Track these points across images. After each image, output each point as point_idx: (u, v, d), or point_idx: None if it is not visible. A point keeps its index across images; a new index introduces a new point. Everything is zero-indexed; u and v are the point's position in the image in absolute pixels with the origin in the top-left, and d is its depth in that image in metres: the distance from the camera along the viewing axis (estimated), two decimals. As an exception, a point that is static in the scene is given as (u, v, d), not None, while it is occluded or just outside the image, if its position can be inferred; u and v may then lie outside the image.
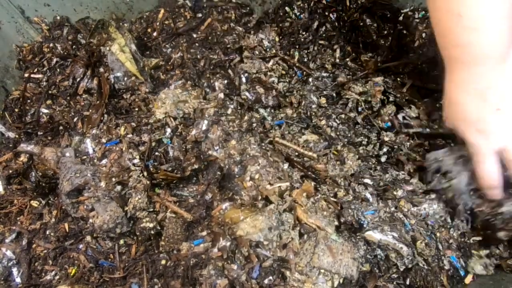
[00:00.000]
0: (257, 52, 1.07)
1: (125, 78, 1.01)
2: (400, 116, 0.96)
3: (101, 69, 1.05)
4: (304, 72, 1.05)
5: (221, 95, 1.00)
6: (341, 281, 0.76)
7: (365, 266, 0.79)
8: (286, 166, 0.89)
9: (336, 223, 0.82)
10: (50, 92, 1.04)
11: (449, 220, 0.86)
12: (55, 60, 1.09)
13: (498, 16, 0.63)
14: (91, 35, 1.10)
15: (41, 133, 0.99)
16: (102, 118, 0.98)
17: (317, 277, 0.76)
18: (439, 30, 0.71)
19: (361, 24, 1.08)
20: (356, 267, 0.77)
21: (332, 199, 0.86)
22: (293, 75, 1.06)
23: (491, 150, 0.71)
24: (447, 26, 0.68)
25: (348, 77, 1.03)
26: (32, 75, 1.08)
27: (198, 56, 1.08)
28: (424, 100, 0.98)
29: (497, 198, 0.77)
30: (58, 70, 1.08)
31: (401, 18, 1.08)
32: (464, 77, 0.71)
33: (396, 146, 0.95)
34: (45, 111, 1.02)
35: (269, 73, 1.03)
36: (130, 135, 0.93)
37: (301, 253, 0.78)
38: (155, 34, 1.12)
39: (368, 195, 0.87)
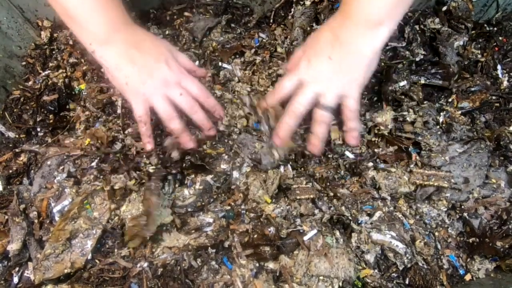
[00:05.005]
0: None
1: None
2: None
3: (103, 70, 1.05)
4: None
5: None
6: (340, 284, 0.76)
7: (361, 264, 0.80)
8: None
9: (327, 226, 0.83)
10: (50, 92, 1.04)
11: (446, 219, 0.86)
12: (55, 60, 1.09)
13: None
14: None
15: (42, 133, 0.99)
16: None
17: (317, 285, 0.76)
18: None
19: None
20: (353, 268, 0.77)
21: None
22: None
23: (299, 75, 0.82)
24: None
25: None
26: (33, 75, 1.08)
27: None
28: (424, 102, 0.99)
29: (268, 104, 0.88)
30: (58, 70, 1.08)
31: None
32: (338, 27, 0.80)
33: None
34: (46, 111, 1.02)
35: None
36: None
37: (296, 265, 0.78)
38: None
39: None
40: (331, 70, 0.79)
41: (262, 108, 0.90)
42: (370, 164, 0.90)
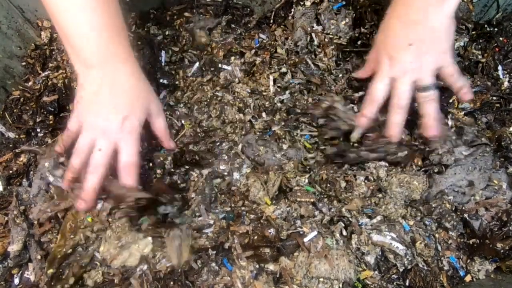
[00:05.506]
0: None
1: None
2: None
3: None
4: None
5: None
6: (341, 285, 0.76)
7: (361, 266, 0.80)
8: None
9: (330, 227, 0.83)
10: (50, 92, 1.04)
11: (446, 224, 0.86)
12: (55, 60, 1.09)
13: None
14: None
15: (42, 134, 0.99)
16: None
17: (317, 286, 0.76)
18: None
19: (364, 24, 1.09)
20: (353, 270, 0.77)
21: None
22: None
23: (388, 74, 0.83)
24: None
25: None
26: (33, 76, 1.08)
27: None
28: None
29: (367, 116, 0.86)
30: (58, 71, 1.07)
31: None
32: (403, 10, 0.80)
33: None
34: (46, 111, 1.02)
35: None
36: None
37: (296, 266, 0.78)
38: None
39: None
40: (416, 55, 0.79)
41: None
42: (381, 170, 0.90)
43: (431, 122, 0.83)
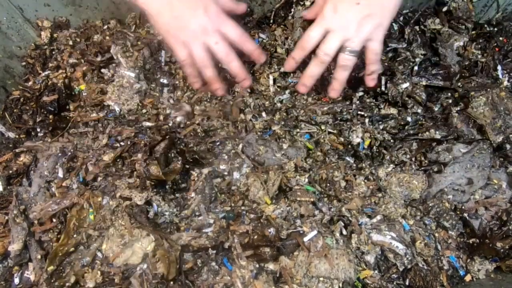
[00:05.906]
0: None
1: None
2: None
3: (104, 71, 1.05)
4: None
5: None
6: (341, 285, 0.76)
7: (361, 265, 0.80)
8: None
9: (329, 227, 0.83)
10: (50, 92, 1.04)
11: (446, 224, 0.86)
12: (55, 60, 1.09)
13: None
14: (93, 36, 1.10)
15: (42, 134, 0.99)
16: (102, 118, 0.98)
17: (317, 286, 0.76)
18: None
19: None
20: (353, 269, 0.77)
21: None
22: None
23: (326, 23, 0.81)
24: None
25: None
26: (33, 76, 1.08)
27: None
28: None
29: (296, 59, 0.88)
30: (58, 71, 1.08)
31: (401, 18, 1.09)
32: None
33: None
34: (46, 111, 1.02)
35: None
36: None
37: (296, 266, 0.78)
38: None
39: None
40: (359, 16, 0.77)
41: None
42: (381, 170, 0.90)
43: (337, 87, 0.87)
